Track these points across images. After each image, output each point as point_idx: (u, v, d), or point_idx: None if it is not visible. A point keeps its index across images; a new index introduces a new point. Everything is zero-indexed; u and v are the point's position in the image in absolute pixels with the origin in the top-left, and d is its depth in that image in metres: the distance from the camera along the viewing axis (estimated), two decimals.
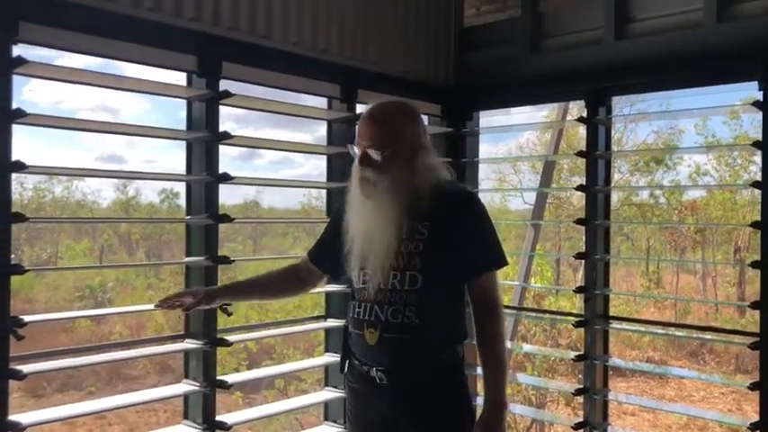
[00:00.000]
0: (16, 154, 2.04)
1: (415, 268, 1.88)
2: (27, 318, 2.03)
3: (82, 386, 11.76)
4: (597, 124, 3.08)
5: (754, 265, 2.70)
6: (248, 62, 2.64)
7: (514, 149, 14.67)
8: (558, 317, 4.44)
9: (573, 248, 14.52)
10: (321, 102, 3.14)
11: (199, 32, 2.47)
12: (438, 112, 3.45)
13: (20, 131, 2.08)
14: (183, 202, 2.62)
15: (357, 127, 1.97)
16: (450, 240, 1.89)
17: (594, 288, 3.09)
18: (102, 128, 2.47)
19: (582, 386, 3.14)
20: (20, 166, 2.03)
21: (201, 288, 2.17)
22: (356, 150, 1.92)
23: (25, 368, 2.04)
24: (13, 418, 2.02)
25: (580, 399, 3.21)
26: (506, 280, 9.33)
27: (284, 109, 2.93)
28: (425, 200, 1.88)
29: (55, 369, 2.21)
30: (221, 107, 2.58)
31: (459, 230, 1.90)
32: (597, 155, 3.08)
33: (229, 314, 2.12)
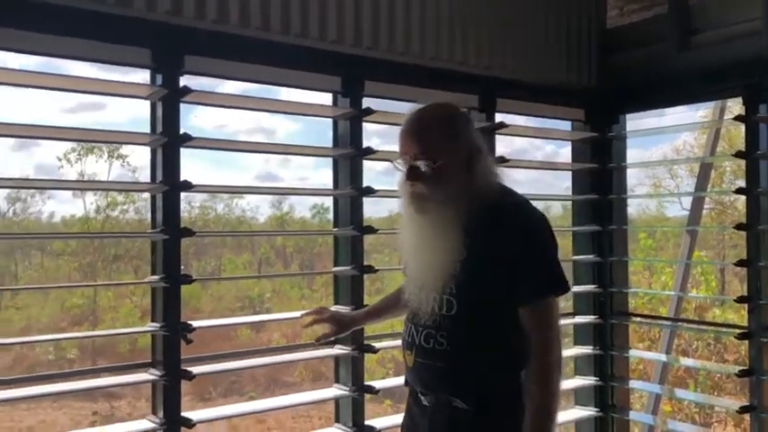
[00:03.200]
0: (184, 175, 2.25)
1: (449, 292, 1.71)
2: (195, 323, 2.23)
3: (243, 391, 12.54)
4: (757, 122, 2.87)
5: None
6: (388, 79, 2.74)
7: (669, 153, 13.85)
8: (723, 329, 4.10)
9: (738, 257, 13.40)
10: None
11: (342, 54, 2.60)
12: (581, 116, 3.37)
13: (187, 155, 2.29)
14: (332, 216, 2.75)
15: (399, 139, 1.77)
16: (491, 260, 1.67)
17: (759, 298, 2.87)
18: (258, 148, 2.66)
19: (748, 404, 2.91)
20: (187, 186, 2.24)
21: (339, 312, 2.25)
22: (401, 165, 1.75)
23: (194, 369, 2.24)
24: (185, 414, 2.22)
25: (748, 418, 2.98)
26: (664, 290, 8.83)
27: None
28: (478, 213, 1.69)
29: (220, 371, 2.40)
30: (366, 124, 2.69)
31: (503, 249, 1.66)
32: (758, 155, 2.86)
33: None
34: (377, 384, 2.68)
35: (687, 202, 13.73)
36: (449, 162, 1.69)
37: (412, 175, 1.71)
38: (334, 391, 2.66)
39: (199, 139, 2.27)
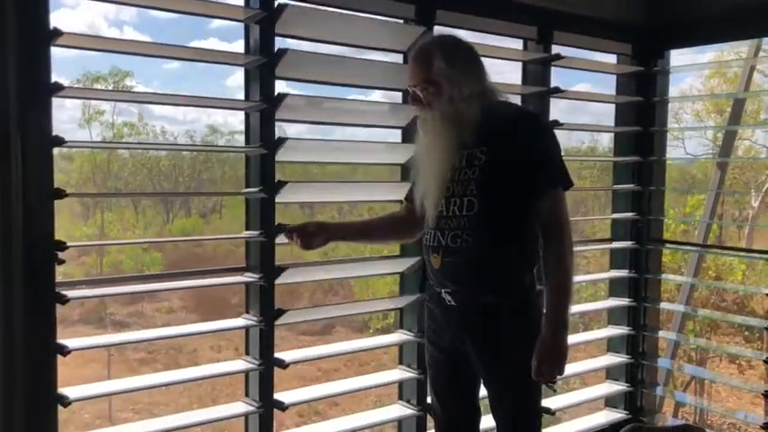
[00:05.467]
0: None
1: (471, 193, 1.93)
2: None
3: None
4: None
5: None
6: (458, 8, 2.83)
7: (675, 95, 13.95)
8: (754, 255, 4.34)
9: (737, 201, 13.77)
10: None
11: None
12: (629, 51, 3.51)
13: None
14: None
15: None
16: (505, 162, 1.91)
17: None
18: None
19: None
20: (282, 97, 2.38)
21: (313, 222, 2.19)
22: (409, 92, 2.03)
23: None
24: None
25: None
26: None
27: (483, 52, 3.12)
28: (477, 128, 1.93)
29: (308, 281, 2.61)
30: None
31: (514, 151, 1.91)
32: None
33: None
34: None
35: (690, 146, 13.97)
36: (437, 89, 1.94)
37: (412, 100, 2.01)
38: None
39: (298, 55, 2.39)
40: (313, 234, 2.12)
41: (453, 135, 1.96)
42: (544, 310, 1.99)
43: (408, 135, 2.71)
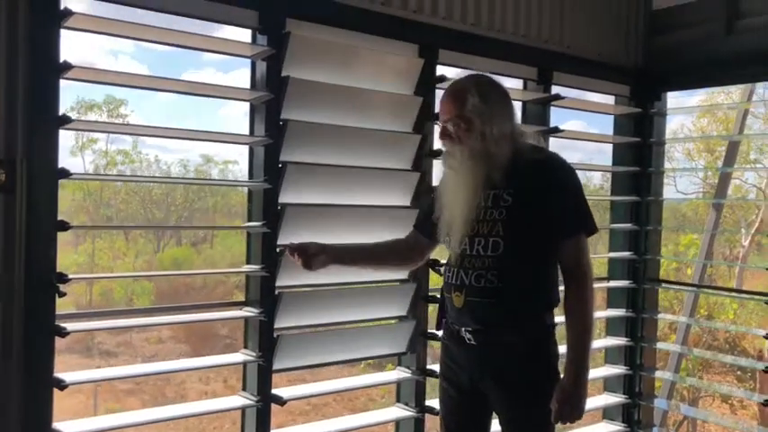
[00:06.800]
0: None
1: (497, 234, 1.94)
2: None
3: None
4: None
5: None
6: (460, 48, 2.89)
7: (667, 134, 14.12)
8: (754, 297, 4.34)
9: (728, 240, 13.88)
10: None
11: (419, 22, 2.74)
12: (626, 92, 3.56)
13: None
14: None
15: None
16: (532, 206, 1.93)
17: None
18: None
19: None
20: (280, 138, 2.40)
21: (314, 243, 2.12)
22: (438, 126, 2.05)
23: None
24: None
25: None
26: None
27: None
28: (505, 168, 1.94)
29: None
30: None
31: (541, 196, 1.93)
32: None
33: None
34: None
35: (681, 184, 14.12)
36: (469, 126, 1.96)
37: (441, 135, 2.03)
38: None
39: (304, 84, 2.42)
40: (313, 255, 2.09)
41: (481, 173, 1.97)
42: (561, 349, 2.01)
43: (418, 164, 2.75)
